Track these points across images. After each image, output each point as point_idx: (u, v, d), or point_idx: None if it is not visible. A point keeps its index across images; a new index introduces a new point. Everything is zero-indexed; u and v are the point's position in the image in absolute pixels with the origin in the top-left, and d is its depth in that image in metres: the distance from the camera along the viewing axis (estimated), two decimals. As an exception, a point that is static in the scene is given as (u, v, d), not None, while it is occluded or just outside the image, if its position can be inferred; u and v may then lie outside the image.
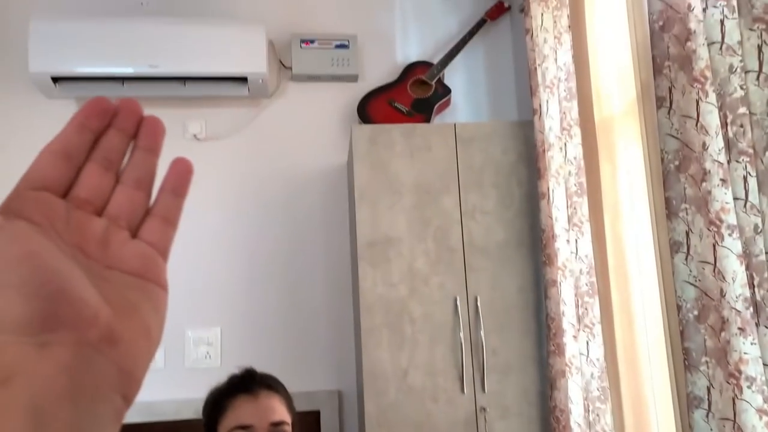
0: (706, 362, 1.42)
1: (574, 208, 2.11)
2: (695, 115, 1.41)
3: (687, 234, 1.46)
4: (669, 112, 1.48)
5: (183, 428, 2.67)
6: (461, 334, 2.42)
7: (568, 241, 2.20)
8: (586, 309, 2.07)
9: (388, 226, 2.50)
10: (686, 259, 1.46)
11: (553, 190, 2.24)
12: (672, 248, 1.49)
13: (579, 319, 2.09)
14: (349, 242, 2.94)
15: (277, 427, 1.27)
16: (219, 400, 1.30)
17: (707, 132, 1.40)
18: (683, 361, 1.46)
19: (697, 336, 1.44)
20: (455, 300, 2.45)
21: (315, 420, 2.78)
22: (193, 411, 1.32)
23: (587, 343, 2.05)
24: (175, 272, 2.92)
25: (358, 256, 2.48)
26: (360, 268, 2.47)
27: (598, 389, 2.01)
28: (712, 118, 1.39)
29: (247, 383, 1.31)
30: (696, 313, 1.44)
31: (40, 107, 3.00)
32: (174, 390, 2.75)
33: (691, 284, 1.45)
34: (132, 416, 2.75)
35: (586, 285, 2.07)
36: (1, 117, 3.01)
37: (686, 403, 1.44)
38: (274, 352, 2.87)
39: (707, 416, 1.41)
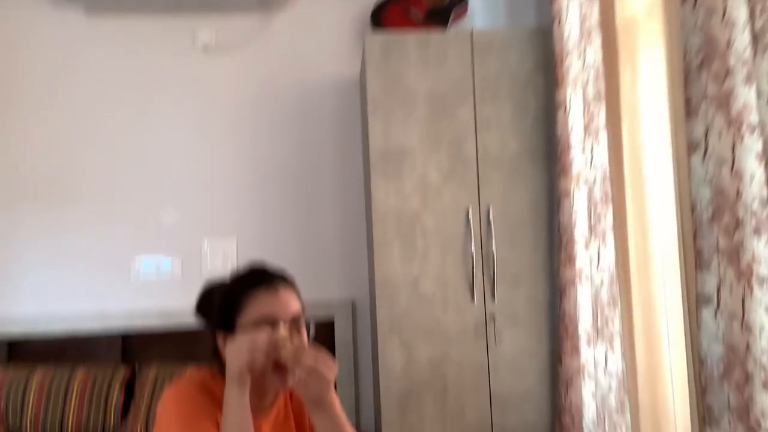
0: (718, 261, 1.43)
1: (591, 116, 2.08)
2: (721, 8, 1.36)
3: (706, 133, 1.44)
4: (694, 7, 1.42)
5: (200, 335, 2.74)
6: (472, 246, 2.44)
7: (583, 150, 2.18)
8: (599, 218, 2.06)
9: (401, 138, 2.48)
10: (703, 158, 1.44)
11: (570, 99, 2.20)
12: (690, 148, 1.46)
13: (591, 229, 2.09)
14: (361, 155, 2.93)
15: (297, 320, 1.30)
16: (236, 295, 1.31)
17: (733, 26, 1.34)
18: (695, 260, 1.46)
19: (710, 236, 1.44)
20: (467, 212, 2.45)
21: (329, 328, 2.86)
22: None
23: (598, 251, 2.06)
24: (192, 185, 2.94)
25: (370, 168, 2.48)
26: (373, 181, 2.47)
27: (607, 296, 2.04)
28: (739, 11, 1.34)
29: (265, 277, 1.32)
30: (710, 213, 1.44)
31: (47, 15, 2.95)
32: (192, 298, 2.81)
33: (707, 185, 1.44)
34: (153, 322, 2.85)
35: (601, 194, 2.06)
36: (8, 25, 2.96)
37: (695, 302, 1.45)
38: (289, 262, 2.88)
39: (715, 314, 1.43)
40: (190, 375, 1.32)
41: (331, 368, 1.22)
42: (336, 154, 2.99)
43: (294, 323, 1.28)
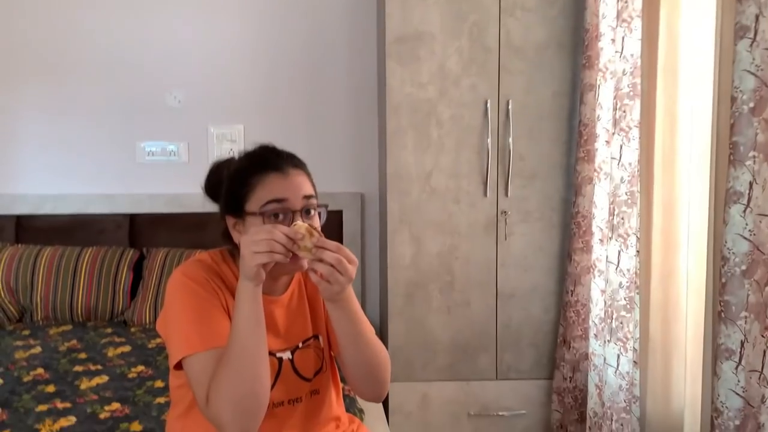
0: (753, 157, 1.36)
1: (626, 2, 1.94)
2: None
3: (757, 17, 1.33)
4: None
5: (208, 220, 2.72)
6: (489, 139, 2.36)
7: (613, 40, 2.05)
8: (624, 112, 1.98)
9: (419, 21, 2.34)
10: (750, 46, 1.34)
11: (603, -17, 2.05)
12: (736, 34, 1.36)
13: (615, 123, 2.00)
14: (376, 39, 2.78)
15: (309, 200, 1.24)
16: (245, 177, 1.25)
17: None
18: (728, 156, 1.39)
19: (748, 130, 1.36)
20: (486, 103, 2.36)
21: (337, 220, 2.84)
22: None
23: (621, 147, 1.99)
24: (198, 69, 2.83)
25: (386, 53, 2.35)
26: (387, 67, 2.35)
27: (626, 193, 1.98)
28: None
29: (275, 160, 1.26)
30: (752, 105, 1.35)
31: None
32: (199, 184, 2.76)
33: (752, 74, 1.34)
34: (161, 207, 2.83)
35: (628, 86, 1.96)
36: None
37: (724, 199, 1.40)
38: (297, 153, 2.84)
39: (744, 211, 1.37)
40: (200, 258, 1.29)
41: (353, 264, 1.18)
42: (349, 39, 2.85)
43: (305, 207, 1.23)
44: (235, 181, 1.26)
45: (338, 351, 1.30)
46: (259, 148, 1.30)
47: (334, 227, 2.81)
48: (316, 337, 1.33)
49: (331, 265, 1.15)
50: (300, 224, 1.16)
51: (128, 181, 2.85)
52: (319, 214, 1.27)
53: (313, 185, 1.29)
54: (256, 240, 1.12)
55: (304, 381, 1.30)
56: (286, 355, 1.28)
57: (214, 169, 1.35)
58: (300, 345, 1.30)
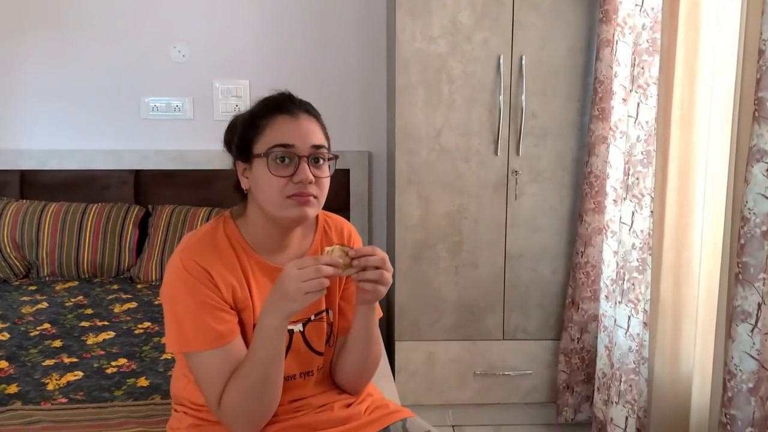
0: (779, 113, 1.31)
1: (648, -49, 1.85)
2: None
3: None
4: None
5: (214, 177, 2.70)
6: (501, 96, 2.30)
7: (633, -8, 1.97)
8: (642, 68, 1.91)
9: (431, -27, 2.25)
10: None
11: (625, -68, 1.96)
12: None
13: (633, 80, 1.94)
14: (386, -8, 2.70)
15: (318, 149, 1.20)
16: (255, 120, 1.21)
17: None
18: (753, 113, 1.34)
19: (775, 84, 1.30)
20: (498, 59, 2.29)
21: (345, 178, 2.80)
22: (226, 163, 1.25)
23: (638, 105, 1.93)
24: (203, 23, 2.75)
25: (396, 5, 2.28)
26: (398, 20, 2.28)
27: (642, 153, 1.93)
28: None
29: (287, 105, 1.21)
30: (780, 58, 1.29)
31: None
32: (204, 141, 2.74)
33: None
34: (167, 164, 2.80)
35: (647, 42, 1.89)
36: None
37: (746, 156, 1.35)
38: (304, 109, 2.79)
39: (767, 171, 1.33)
40: (199, 238, 1.21)
41: (390, 271, 1.16)
42: (358, -9, 2.76)
43: (313, 155, 1.19)
44: (247, 124, 1.22)
45: (346, 343, 1.30)
46: (276, 93, 1.26)
47: (341, 187, 2.78)
48: (327, 311, 1.31)
49: (375, 281, 1.15)
50: (333, 248, 1.14)
51: (133, 136, 2.80)
52: (329, 166, 1.23)
53: (327, 136, 1.25)
54: (307, 280, 1.07)
55: (316, 354, 1.29)
56: (297, 328, 1.26)
57: (232, 122, 1.30)
58: (312, 318, 1.28)
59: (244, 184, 1.23)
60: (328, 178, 1.22)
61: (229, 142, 1.28)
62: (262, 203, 1.20)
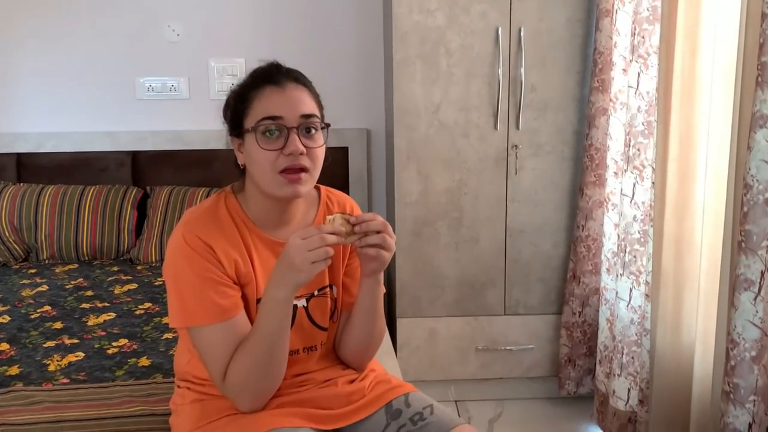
0: (783, 78, 1.28)
1: None
2: None
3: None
4: None
5: (212, 157, 2.68)
6: (500, 69, 2.27)
7: (633, -40, 1.94)
8: (642, 37, 1.88)
9: (427, -56, 2.21)
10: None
11: None
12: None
13: (633, 50, 1.91)
14: (382, -35, 2.66)
15: (308, 119, 1.17)
16: (243, 93, 1.18)
17: None
18: (756, 78, 1.32)
19: (778, 49, 1.28)
20: (497, 31, 2.26)
21: (343, 156, 2.78)
22: (223, 143, 1.24)
23: (639, 75, 1.90)
24: (197, 1, 2.71)
25: (392, -22, 2.24)
26: (394, -7, 2.24)
27: (643, 123, 1.91)
28: None
29: (272, 75, 1.18)
30: (784, 21, 1.27)
31: None
32: (201, 121, 2.71)
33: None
34: (164, 145, 2.77)
35: (648, 10, 1.86)
36: None
37: (749, 122, 1.33)
38: (300, 87, 2.76)
39: (771, 136, 1.31)
40: (200, 213, 1.20)
41: (393, 238, 1.16)
42: (353, -35, 2.72)
43: (303, 125, 1.16)
44: (237, 98, 1.20)
45: (350, 318, 1.30)
46: (264, 64, 1.24)
47: (340, 165, 2.76)
48: (330, 286, 1.30)
49: (377, 246, 1.14)
50: (334, 217, 1.13)
51: (129, 117, 2.78)
52: (322, 135, 1.20)
53: (319, 105, 1.22)
54: (312, 250, 1.07)
55: (319, 329, 1.28)
56: (301, 303, 1.25)
57: (228, 97, 1.28)
58: (315, 293, 1.27)
59: (240, 159, 1.21)
60: (322, 148, 1.19)
61: (225, 117, 1.26)
62: (256, 179, 1.19)
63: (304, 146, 1.15)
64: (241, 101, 1.18)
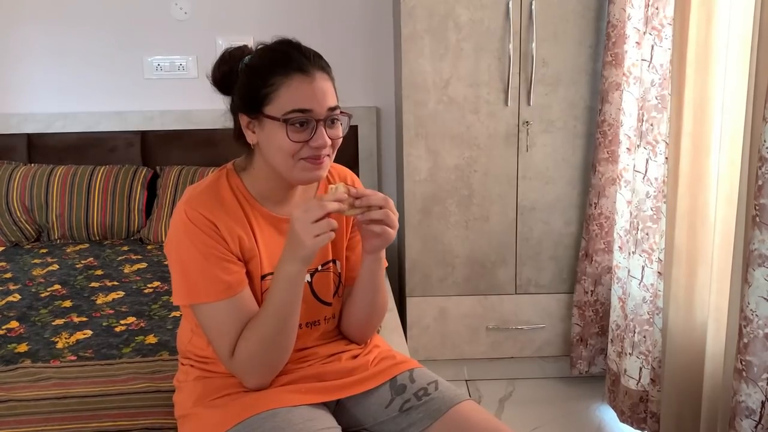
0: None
1: None
2: None
3: None
4: None
5: (220, 137, 2.66)
6: (510, 44, 2.22)
7: (647, -73, 1.88)
8: (656, 8, 1.83)
9: None
10: None
11: None
12: None
13: (647, 21, 1.86)
14: (390, -61, 2.61)
15: (333, 111, 1.16)
16: (267, 75, 1.14)
17: None
18: (772, 46, 1.27)
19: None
20: (507, 4, 2.21)
21: (353, 135, 2.75)
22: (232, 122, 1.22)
23: (652, 47, 1.85)
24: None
25: (400, -49, 2.20)
26: (402, -33, 2.20)
27: (656, 98, 1.86)
28: None
29: (301, 61, 1.15)
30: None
31: None
32: (210, 100, 2.67)
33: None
34: (173, 125, 2.76)
35: (662, -20, 1.80)
36: None
37: (765, 93, 1.29)
38: (309, 64, 2.74)
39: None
40: (202, 190, 1.19)
41: (396, 215, 1.15)
42: (361, -61, 2.67)
43: (329, 118, 1.16)
44: (255, 77, 1.16)
45: (352, 292, 1.30)
46: (282, 43, 1.21)
47: (349, 143, 2.73)
48: (334, 261, 1.29)
49: (380, 222, 1.14)
50: (337, 186, 1.13)
51: (137, 97, 2.77)
52: (341, 124, 1.20)
53: (335, 91, 1.21)
54: (315, 223, 1.07)
55: (323, 305, 1.28)
56: (306, 278, 1.23)
57: (225, 57, 1.24)
58: (319, 268, 1.27)
59: (250, 138, 1.18)
60: (342, 137, 1.20)
61: (221, 83, 1.23)
62: (275, 163, 1.17)
63: (329, 137, 1.16)
64: (264, 84, 1.14)
